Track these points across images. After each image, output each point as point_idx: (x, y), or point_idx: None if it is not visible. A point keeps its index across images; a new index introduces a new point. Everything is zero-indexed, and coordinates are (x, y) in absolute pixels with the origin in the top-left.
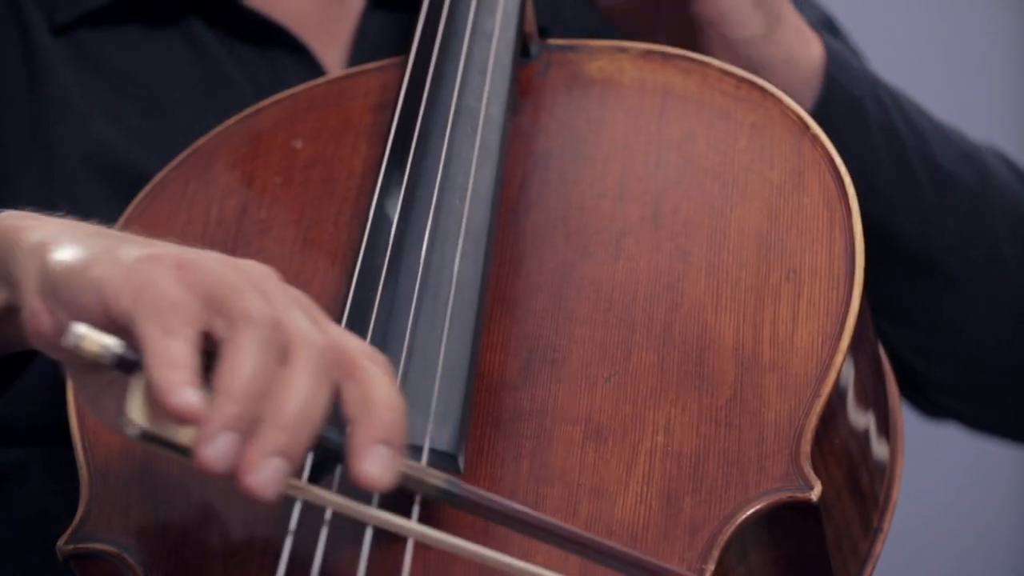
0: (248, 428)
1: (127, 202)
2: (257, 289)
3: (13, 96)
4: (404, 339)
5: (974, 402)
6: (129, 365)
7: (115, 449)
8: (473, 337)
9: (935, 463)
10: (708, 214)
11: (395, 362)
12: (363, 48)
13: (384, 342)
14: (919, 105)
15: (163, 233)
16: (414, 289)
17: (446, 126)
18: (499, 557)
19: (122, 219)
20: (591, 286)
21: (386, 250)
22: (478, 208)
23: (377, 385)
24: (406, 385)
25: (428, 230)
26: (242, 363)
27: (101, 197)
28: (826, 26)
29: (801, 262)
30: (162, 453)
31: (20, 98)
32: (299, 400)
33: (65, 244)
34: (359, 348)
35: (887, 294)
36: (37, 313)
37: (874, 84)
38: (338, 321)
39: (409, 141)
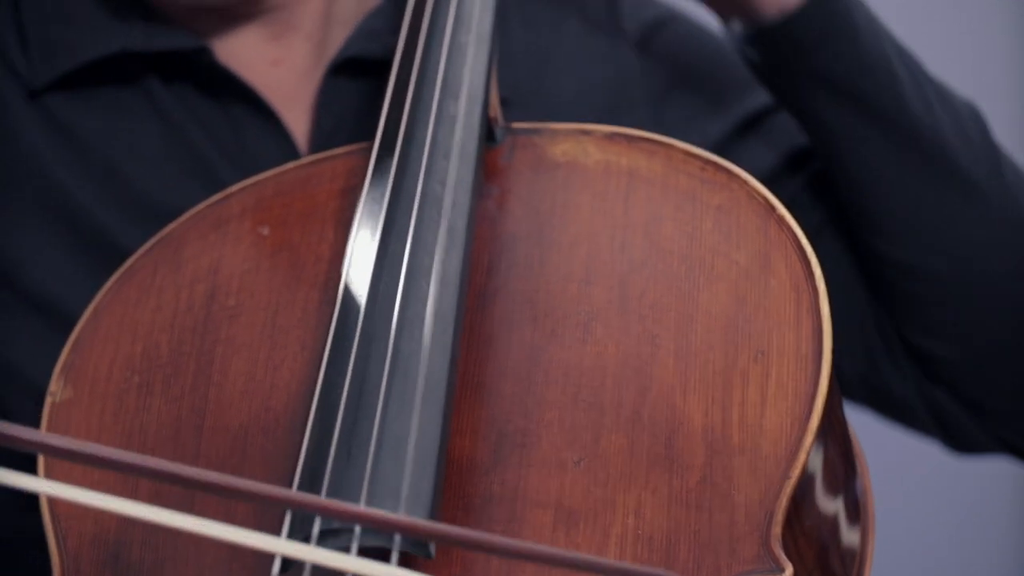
0: None
1: (88, 262)
2: None
3: None
4: (374, 425)
5: (986, 381)
6: None
7: (87, 536)
8: (443, 423)
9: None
10: (675, 297)
11: (365, 449)
12: (328, 113)
13: (354, 428)
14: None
15: (132, 319)
16: (383, 375)
17: (411, 212)
18: None
19: (92, 306)
20: (559, 370)
21: (354, 336)
22: (446, 293)
23: None
24: (376, 472)
25: (396, 315)
26: None
27: (63, 256)
28: None
29: (769, 344)
30: None
31: None
32: None
33: None
34: None
35: (906, 203)
36: None
37: (871, 20)
38: (307, 407)
39: (375, 226)
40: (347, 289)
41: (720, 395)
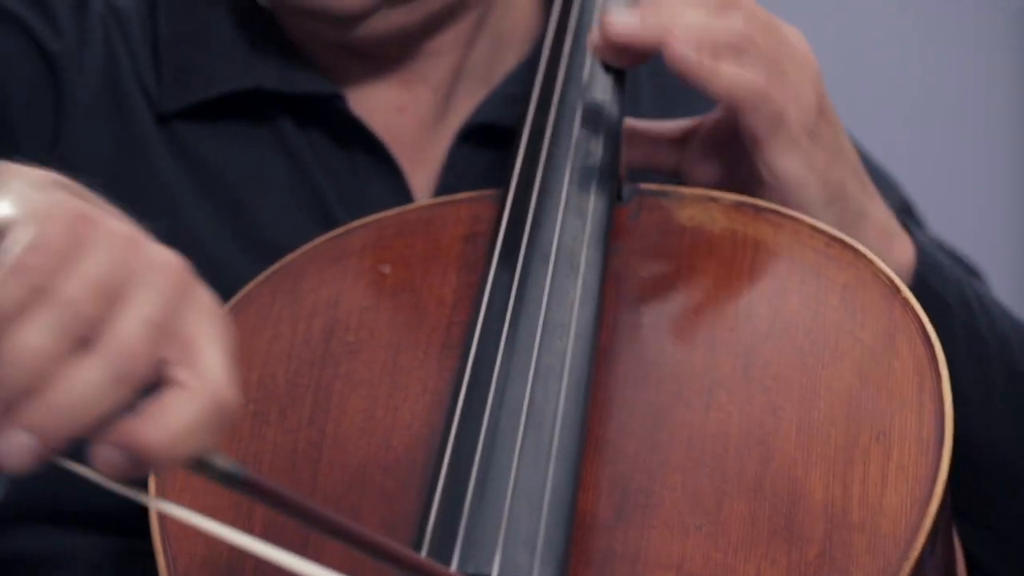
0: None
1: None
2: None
3: (104, 175)
4: (510, 474)
5: None
6: None
7: (198, 559)
8: (575, 476)
9: None
10: (799, 371)
11: (501, 497)
12: (451, 172)
13: (488, 476)
14: (999, 303)
15: (248, 348)
16: (519, 426)
17: (548, 266)
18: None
19: None
20: (684, 433)
21: (489, 384)
22: (580, 348)
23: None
24: (512, 520)
25: (533, 367)
26: (25, 336)
27: None
28: (904, 211)
29: (891, 425)
30: None
31: (109, 177)
32: (71, 393)
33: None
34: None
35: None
36: None
37: (959, 284)
38: (430, 450)
39: (510, 277)
40: (482, 337)
41: (841, 471)
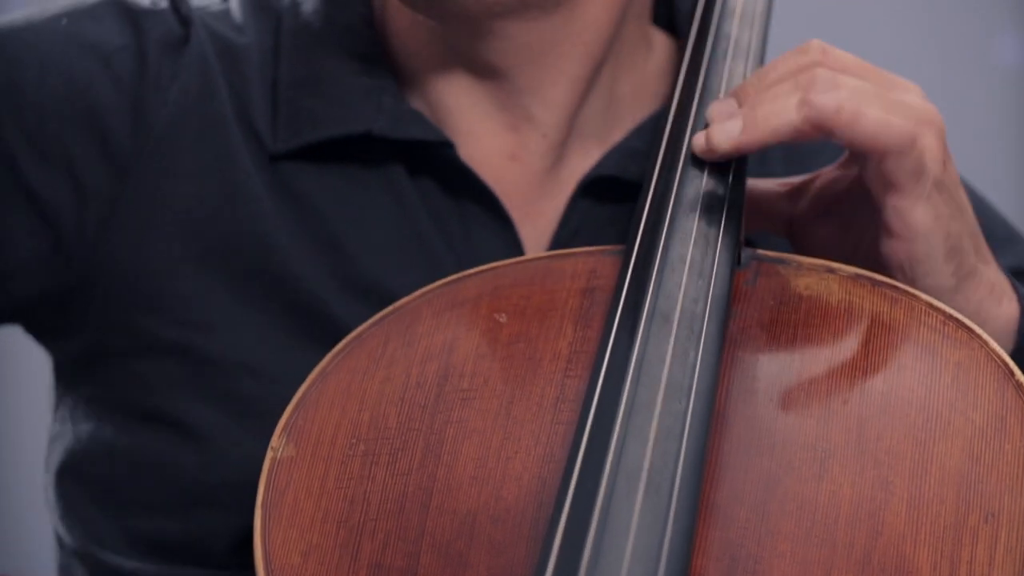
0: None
1: (299, 333)
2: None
3: (206, 212)
4: (628, 538)
5: None
6: None
7: None
8: (690, 539)
9: None
10: (911, 446)
11: (619, 558)
12: (565, 227)
13: (606, 536)
14: None
15: (359, 387)
16: (638, 488)
17: (671, 328)
18: None
19: (317, 369)
20: (795, 502)
21: (609, 444)
22: (699, 412)
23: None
24: None
25: (654, 429)
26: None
27: (278, 323)
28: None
29: (1000, 506)
30: None
31: (212, 215)
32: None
33: None
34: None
35: None
36: None
37: None
38: (541, 503)
39: (631, 336)
40: (602, 395)
41: (949, 550)
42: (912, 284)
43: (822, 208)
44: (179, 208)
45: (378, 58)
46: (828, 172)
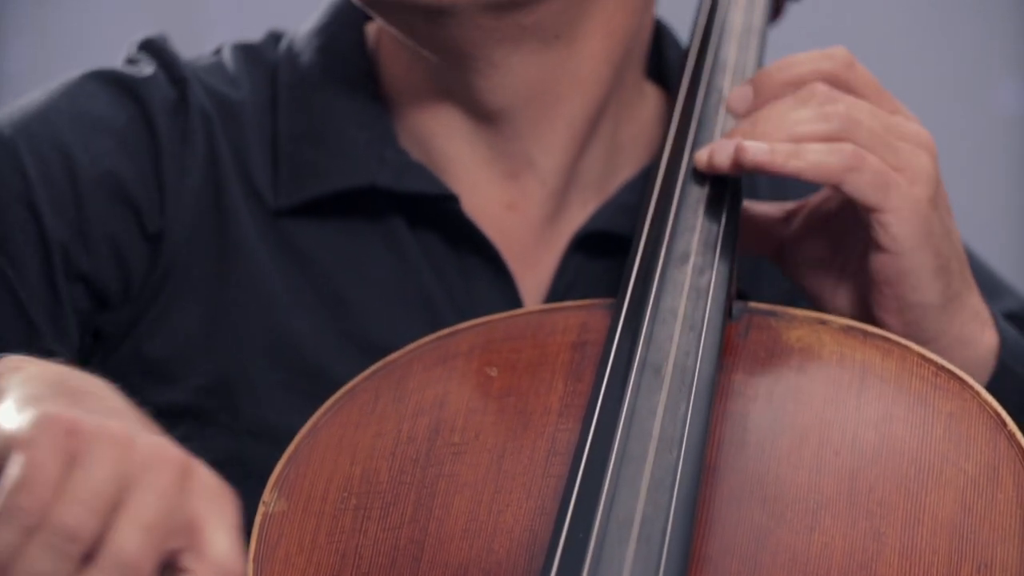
0: None
1: (299, 391)
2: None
3: (203, 267)
4: None
5: None
6: None
7: None
8: None
9: None
10: (903, 497)
11: None
12: (561, 279)
13: None
14: None
15: (351, 442)
16: (629, 539)
17: (663, 381)
18: None
19: (309, 423)
20: (786, 555)
21: (599, 496)
22: (690, 463)
23: None
24: None
25: (645, 481)
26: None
27: (275, 383)
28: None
29: (992, 556)
30: None
31: (209, 270)
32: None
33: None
34: None
35: None
36: None
37: None
38: (532, 556)
39: (622, 389)
40: (593, 447)
41: None
42: (900, 300)
43: (813, 228)
44: (196, 276)
45: (377, 108)
46: (817, 195)
